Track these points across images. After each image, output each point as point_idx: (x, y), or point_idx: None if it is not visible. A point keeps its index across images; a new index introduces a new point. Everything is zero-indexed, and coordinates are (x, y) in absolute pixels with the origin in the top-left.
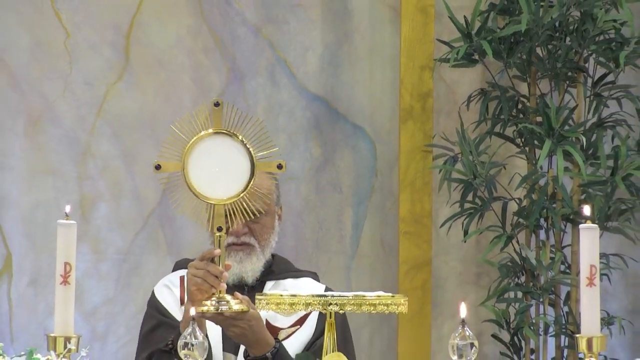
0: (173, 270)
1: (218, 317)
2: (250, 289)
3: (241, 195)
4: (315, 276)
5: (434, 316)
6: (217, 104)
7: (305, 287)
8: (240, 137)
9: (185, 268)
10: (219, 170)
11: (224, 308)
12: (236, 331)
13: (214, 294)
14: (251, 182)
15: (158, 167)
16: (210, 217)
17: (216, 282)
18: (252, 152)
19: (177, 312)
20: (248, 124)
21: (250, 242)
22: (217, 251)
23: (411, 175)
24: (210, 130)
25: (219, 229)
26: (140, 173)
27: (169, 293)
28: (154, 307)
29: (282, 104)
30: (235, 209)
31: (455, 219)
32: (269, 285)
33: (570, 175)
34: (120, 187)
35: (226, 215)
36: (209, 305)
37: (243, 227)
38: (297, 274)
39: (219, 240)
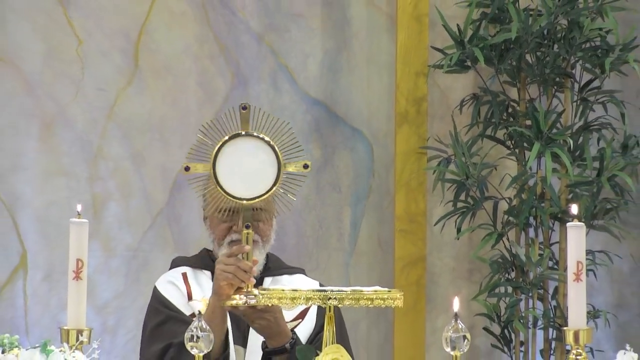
0: (170, 268)
1: (248, 310)
2: None
3: (269, 194)
4: (304, 272)
5: (428, 310)
6: (244, 107)
7: (301, 282)
8: (266, 139)
9: (182, 265)
10: (246, 170)
11: (252, 302)
12: (263, 323)
13: (240, 288)
14: (278, 182)
15: (187, 169)
16: (210, 203)
17: (246, 277)
18: (278, 152)
19: (183, 307)
20: (275, 125)
21: (253, 239)
22: (247, 247)
23: (407, 176)
24: (238, 132)
25: (247, 227)
26: (149, 174)
27: (174, 289)
28: (160, 302)
29: (284, 108)
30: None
31: (448, 217)
32: (268, 281)
33: (558, 176)
34: (129, 188)
35: (233, 212)
36: (238, 299)
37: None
38: (290, 270)
39: (247, 237)
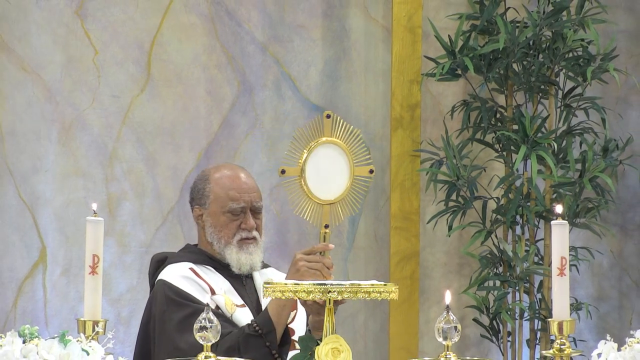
0: (166, 264)
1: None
2: (246, 278)
3: (343, 196)
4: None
5: (421, 302)
6: (328, 116)
7: (276, 275)
8: (345, 145)
9: (182, 261)
10: (326, 173)
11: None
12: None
13: None
14: (349, 185)
15: (283, 172)
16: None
17: (329, 273)
18: (351, 158)
19: (206, 301)
20: (349, 132)
21: (256, 236)
22: (331, 246)
23: (401, 177)
24: (323, 139)
25: (326, 226)
26: (161, 175)
27: (191, 283)
28: (181, 296)
29: (286, 114)
30: (250, 206)
31: (440, 215)
32: (256, 274)
33: (543, 177)
34: (142, 188)
35: (244, 212)
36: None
37: (252, 223)
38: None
39: (324, 236)
